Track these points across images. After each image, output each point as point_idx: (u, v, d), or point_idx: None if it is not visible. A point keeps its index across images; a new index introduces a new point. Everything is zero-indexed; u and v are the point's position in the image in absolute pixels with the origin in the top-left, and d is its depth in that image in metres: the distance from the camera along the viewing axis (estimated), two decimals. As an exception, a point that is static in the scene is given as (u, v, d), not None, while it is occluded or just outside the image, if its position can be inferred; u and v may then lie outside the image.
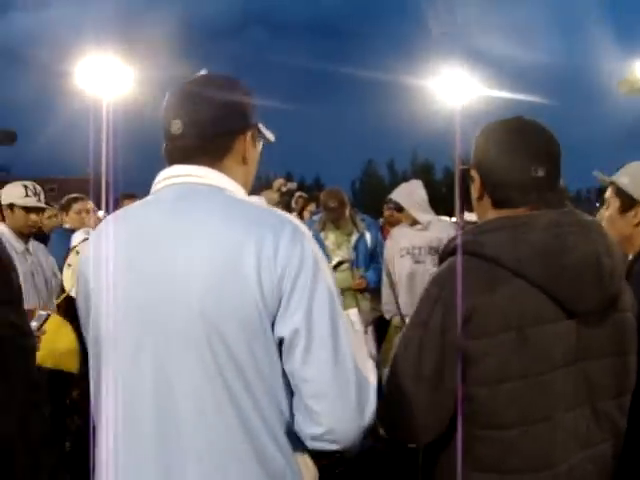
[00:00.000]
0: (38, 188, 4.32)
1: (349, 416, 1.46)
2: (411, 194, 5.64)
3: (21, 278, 3.73)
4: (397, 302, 5.72)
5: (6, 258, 1.74)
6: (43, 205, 4.35)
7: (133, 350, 1.49)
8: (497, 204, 1.81)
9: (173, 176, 1.59)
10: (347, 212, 5.86)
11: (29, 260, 4.14)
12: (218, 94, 1.61)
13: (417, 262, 5.54)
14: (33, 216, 4.22)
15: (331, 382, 1.44)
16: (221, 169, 1.59)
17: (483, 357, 1.63)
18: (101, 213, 6.76)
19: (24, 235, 4.21)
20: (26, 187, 4.24)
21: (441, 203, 5.84)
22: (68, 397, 3.52)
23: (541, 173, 1.75)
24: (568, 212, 1.77)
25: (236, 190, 1.59)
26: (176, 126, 1.59)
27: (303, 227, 1.53)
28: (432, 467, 1.79)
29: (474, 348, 1.63)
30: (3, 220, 4.27)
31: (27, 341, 1.75)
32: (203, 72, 1.72)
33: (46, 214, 4.99)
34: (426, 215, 5.61)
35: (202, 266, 1.44)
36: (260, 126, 1.70)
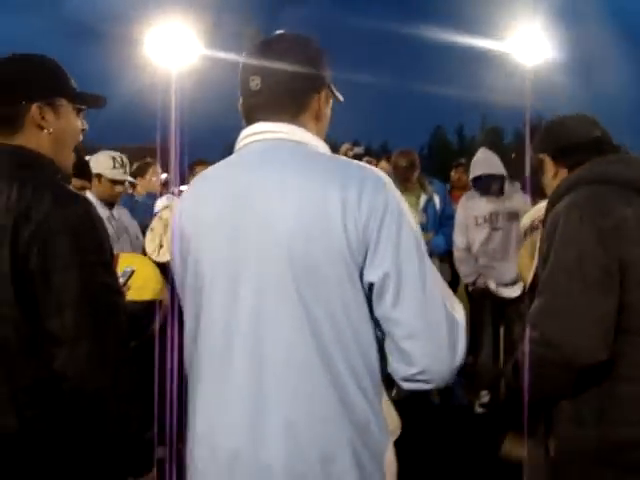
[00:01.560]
0: (125, 160, 4.50)
1: (442, 355, 1.50)
2: (490, 166, 5.54)
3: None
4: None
5: (99, 222, 1.80)
6: (129, 179, 4.57)
7: (231, 300, 1.56)
8: (573, 168, 2.07)
9: (256, 133, 1.64)
10: (416, 174, 5.79)
11: (114, 225, 4.31)
12: (295, 52, 1.65)
13: (495, 229, 5.48)
14: (119, 187, 4.44)
15: (423, 323, 1.49)
16: (298, 124, 1.65)
17: (636, 262, 1.81)
18: (163, 176, 6.90)
19: (108, 203, 4.37)
20: (114, 159, 4.43)
21: (511, 167, 5.69)
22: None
23: (599, 133, 2.14)
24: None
25: (318, 144, 1.66)
26: (254, 82, 1.64)
27: (385, 176, 1.56)
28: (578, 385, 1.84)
29: (630, 254, 1.81)
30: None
31: (119, 299, 1.82)
32: (279, 32, 1.74)
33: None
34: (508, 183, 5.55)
35: (290, 217, 1.50)
36: (331, 85, 1.74)
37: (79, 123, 1.97)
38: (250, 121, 1.67)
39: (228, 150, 1.74)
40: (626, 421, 1.81)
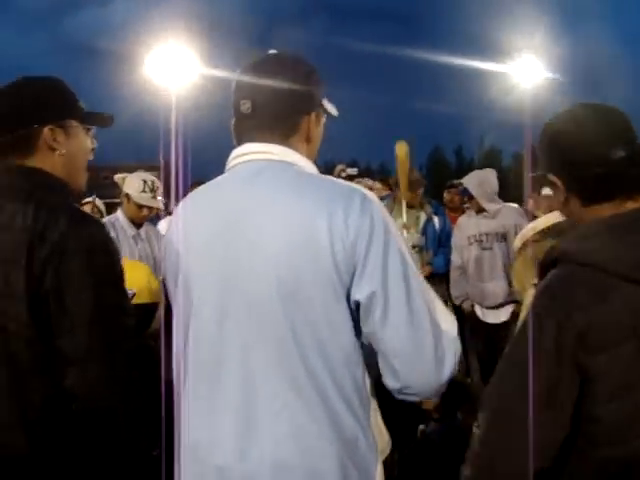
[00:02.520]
0: (156, 184, 4.53)
1: (427, 371, 1.53)
2: (482, 184, 5.67)
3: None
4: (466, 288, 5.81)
5: (112, 244, 1.84)
6: (156, 205, 4.54)
7: (219, 317, 1.59)
8: (585, 201, 1.69)
9: (246, 153, 1.67)
10: (420, 192, 5.85)
11: (139, 244, 4.36)
12: (286, 75, 1.67)
13: (484, 249, 5.59)
14: (145, 211, 4.49)
15: (408, 341, 1.51)
16: (288, 146, 1.67)
17: (607, 372, 1.54)
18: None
19: (136, 223, 4.43)
20: (145, 182, 4.47)
21: (509, 189, 5.82)
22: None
23: (623, 152, 1.63)
24: None
25: (306, 165, 1.68)
26: (245, 106, 1.66)
27: (371, 195, 1.58)
28: None
29: (596, 364, 1.54)
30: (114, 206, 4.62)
31: (128, 320, 1.84)
32: (272, 52, 1.77)
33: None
34: (494, 204, 5.63)
35: (278, 237, 1.53)
36: (324, 102, 1.76)
37: (89, 142, 2.01)
38: (241, 142, 1.70)
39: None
40: None
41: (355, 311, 1.54)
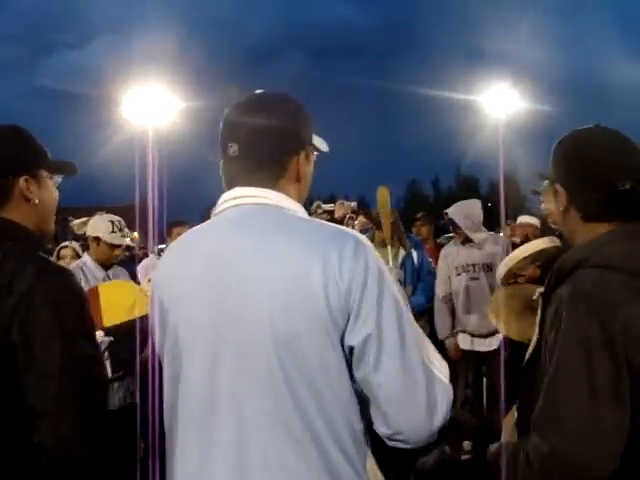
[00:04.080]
0: (123, 223, 4.59)
1: (419, 419, 1.50)
2: (468, 215, 5.75)
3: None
4: (453, 322, 5.82)
5: (81, 294, 1.82)
6: (127, 242, 4.62)
7: (210, 367, 1.55)
8: (587, 217, 1.82)
9: (235, 197, 1.64)
10: (399, 231, 5.85)
11: None
12: (272, 115, 1.65)
13: (473, 279, 5.66)
14: (117, 251, 4.52)
15: (400, 388, 1.49)
16: (277, 188, 1.64)
17: None
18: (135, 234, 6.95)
19: (105, 265, 4.44)
20: (112, 223, 4.50)
21: (486, 217, 5.88)
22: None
23: (628, 185, 1.74)
24: None
25: (296, 208, 1.65)
26: (232, 149, 1.64)
27: (364, 238, 1.57)
28: None
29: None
30: (87, 249, 4.59)
31: (100, 370, 1.82)
32: (258, 91, 1.73)
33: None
34: (479, 234, 5.72)
35: (270, 284, 1.50)
36: (314, 139, 1.74)
37: (56, 191, 2.01)
38: (230, 186, 1.67)
39: (208, 212, 1.74)
40: None
41: (349, 356, 1.51)
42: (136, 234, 7.20)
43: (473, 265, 5.69)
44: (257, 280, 1.51)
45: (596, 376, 1.59)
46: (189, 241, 1.71)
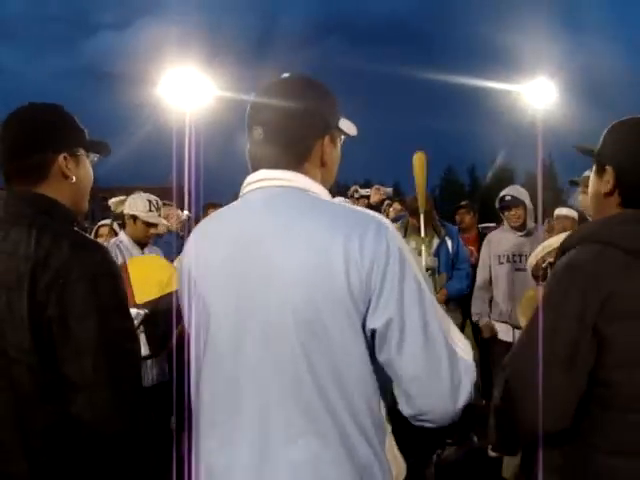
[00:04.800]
0: (160, 203, 4.66)
1: (443, 397, 1.51)
2: (529, 198, 5.53)
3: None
4: (490, 307, 5.64)
5: (115, 269, 1.84)
6: (164, 222, 4.71)
7: (234, 346, 1.58)
8: (626, 203, 1.82)
9: (260, 180, 1.66)
10: (432, 218, 5.74)
11: None
12: (297, 99, 1.67)
13: (518, 270, 5.37)
14: (153, 230, 4.57)
15: (424, 368, 1.50)
16: (302, 171, 1.66)
17: (621, 341, 1.67)
18: (185, 213, 6.98)
19: (141, 243, 4.49)
20: (150, 202, 4.56)
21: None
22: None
23: None
24: None
25: (320, 191, 1.66)
26: (257, 132, 1.66)
27: (386, 221, 1.57)
28: (551, 454, 1.79)
29: (612, 332, 1.67)
30: (124, 227, 4.66)
31: (134, 345, 1.85)
32: (285, 75, 1.75)
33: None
34: (532, 222, 5.54)
35: (293, 266, 1.51)
36: (341, 123, 1.74)
37: (91, 170, 2.04)
38: (255, 168, 1.69)
39: (235, 197, 1.76)
40: None
41: (370, 339, 1.52)
42: (187, 212, 7.20)
43: (520, 255, 5.40)
44: (280, 262, 1.53)
45: (556, 344, 1.69)
46: (215, 222, 1.74)
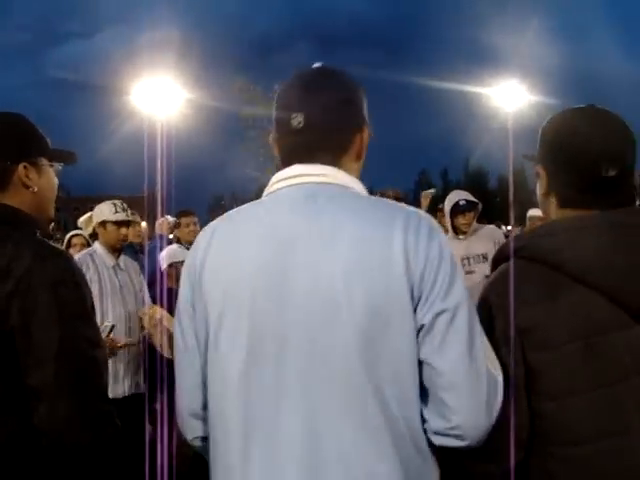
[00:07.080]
0: (125, 205, 4.66)
1: (480, 411, 1.39)
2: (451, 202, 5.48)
3: (109, 291, 4.19)
4: None
5: (80, 276, 1.81)
6: (132, 218, 4.70)
7: (274, 359, 1.42)
8: (563, 203, 1.68)
9: (296, 175, 1.52)
10: None
11: (119, 275, 4.38)
12: (338, 87, 1.56)
13: (468, 272, 5.29)
14: (124, 229, 4.52)
15: (465, 375, 1.38)
16: (339, 166, 1.53)
17: (548, 370, 1.54)
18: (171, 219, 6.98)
19: (116, 250, 4.46)
20: (115, 204, 4.57)
21: (494, 211, 5.73)
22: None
23: (612, 173, 1.60)
24: (635, 211, 1.64)
25: (359, 188, 1.54)
26: (296, 120, 1.51)
27: (433, 219, 1.49)
28: None
29: (537, 361, 1.54)
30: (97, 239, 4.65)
31: (99, 353, 1.80)
32: (317, 65, 1.64)
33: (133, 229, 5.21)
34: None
35: (345, 267, 1.38)
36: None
37: (56, 179, 2.01)
38: (290, 161, 1.55)
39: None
40: None
41: (417, 334, 1.41)
42: (144, 224, 7.21)
43: (467, 258, 5.36)
44: (329, 263, 1.40)
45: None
46: (237, 222, 1.57)
